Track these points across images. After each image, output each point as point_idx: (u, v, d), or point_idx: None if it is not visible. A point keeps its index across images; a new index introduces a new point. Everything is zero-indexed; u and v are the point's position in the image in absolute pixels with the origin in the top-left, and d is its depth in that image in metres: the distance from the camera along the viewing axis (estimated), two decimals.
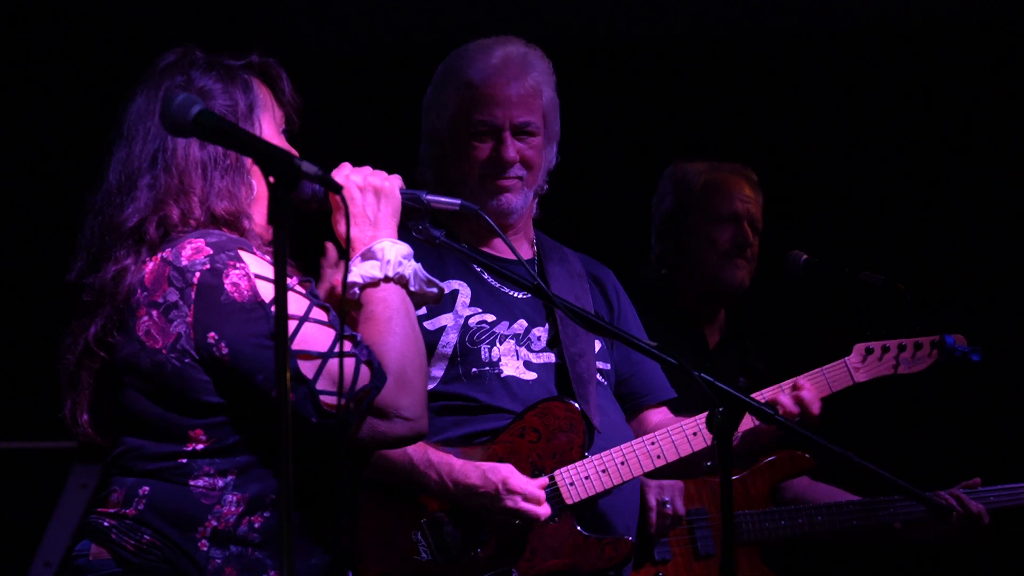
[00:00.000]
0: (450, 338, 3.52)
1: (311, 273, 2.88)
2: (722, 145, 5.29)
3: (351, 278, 2.80)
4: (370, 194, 2.88)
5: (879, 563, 5.46)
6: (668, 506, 4.06)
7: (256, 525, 2.68)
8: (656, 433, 3.57)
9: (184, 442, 2.69)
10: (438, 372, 3.51)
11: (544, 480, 3.46)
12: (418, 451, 3.40)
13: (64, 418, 2.80)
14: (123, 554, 2.67)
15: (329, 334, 2.68)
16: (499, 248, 3.66)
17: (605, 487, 3.51)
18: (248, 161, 2.80)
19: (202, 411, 2.68)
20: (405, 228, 2.96)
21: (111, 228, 2.76)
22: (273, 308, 2.63)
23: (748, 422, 3.52)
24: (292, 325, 2.65)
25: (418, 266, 2.85)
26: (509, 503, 3.39)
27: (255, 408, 2.67)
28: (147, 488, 2.69)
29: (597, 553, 3.50)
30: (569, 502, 3.48)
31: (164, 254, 2.70)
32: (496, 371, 3.53)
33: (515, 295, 3.62)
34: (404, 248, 2.85)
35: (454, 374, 3.52)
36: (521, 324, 3.59)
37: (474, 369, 3.53)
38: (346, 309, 2.79)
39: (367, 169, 2.92)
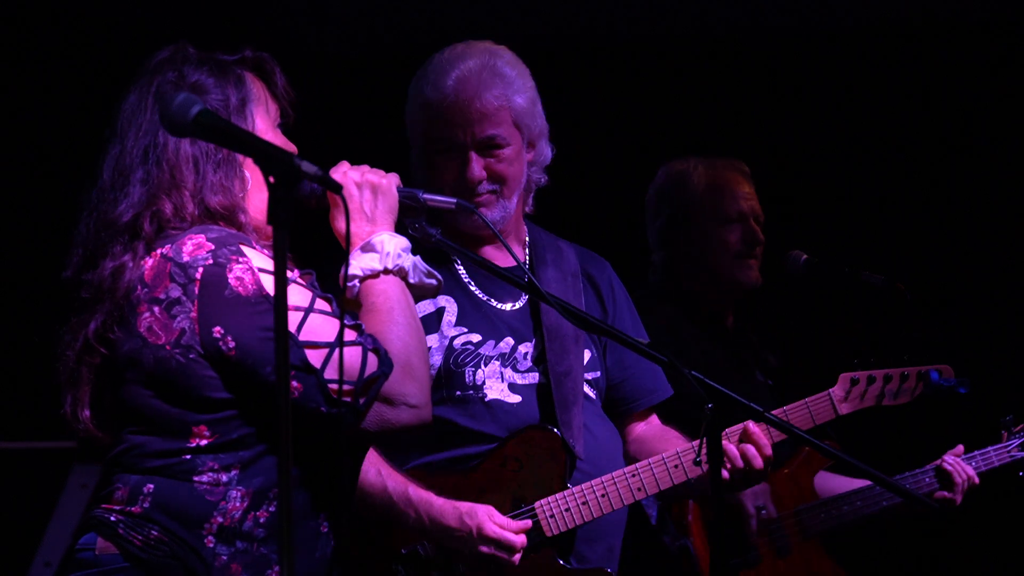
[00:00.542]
0: (435, 360, 3.48)
1: (310, 267, 2.89)
2: (722, 145, 5.29)
3: (351, 271, 2.81)
4: (367, 191, 2.89)
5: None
6: (764, 511, 4.11)
7: (261, 520, 2.69)
8: (638, 465, 3.52)
9: (188, 438, 2.69)
10: None
11: (527, 523, 3.42)
12: (398, 487, 3.37)
13: (65, 415, 2.79)
14: (131, 549, 2.67)
15: (334, 324, 2.69)
16: (489, 255, 3.62)
17: (585, 520, 3.48)
18: (240, 158, 2.80)
19: (207, 406, 2.69)
20: (402, 226, 2.96)
21: (106, 224, 2.76)
22: None
23: (697, 468, 3.48)
24: (298, 316, 2.67)
25: (417, 258, 2.87)
26: (483, 549, 3.35)
27: (261, 401, 2.67)
28: (152, 486, 2.70)
29: None
30: (549, 534, 3.45)
31: (164, 250, 2.71)
32: (480, 395, 3.50)
33: (502, 308, 3.59)
34: (403, 241, 2.86)
35: (438, 397, 3.45)
36: (507, 342, 3.55)
37: (458, 392, 3.50)
38: (347, 303, 2.80)
39: (365, 167, 2.93)
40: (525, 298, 3.62)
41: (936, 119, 5.68)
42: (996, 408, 5.48)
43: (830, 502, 4.34)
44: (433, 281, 2.88)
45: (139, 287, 2.71)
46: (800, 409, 3.75)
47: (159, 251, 2.71)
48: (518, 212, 3.66)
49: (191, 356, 2.67)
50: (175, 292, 2.68)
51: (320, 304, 2.71)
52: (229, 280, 2.67)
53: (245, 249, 2.71)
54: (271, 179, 2.41)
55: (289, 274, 2.69)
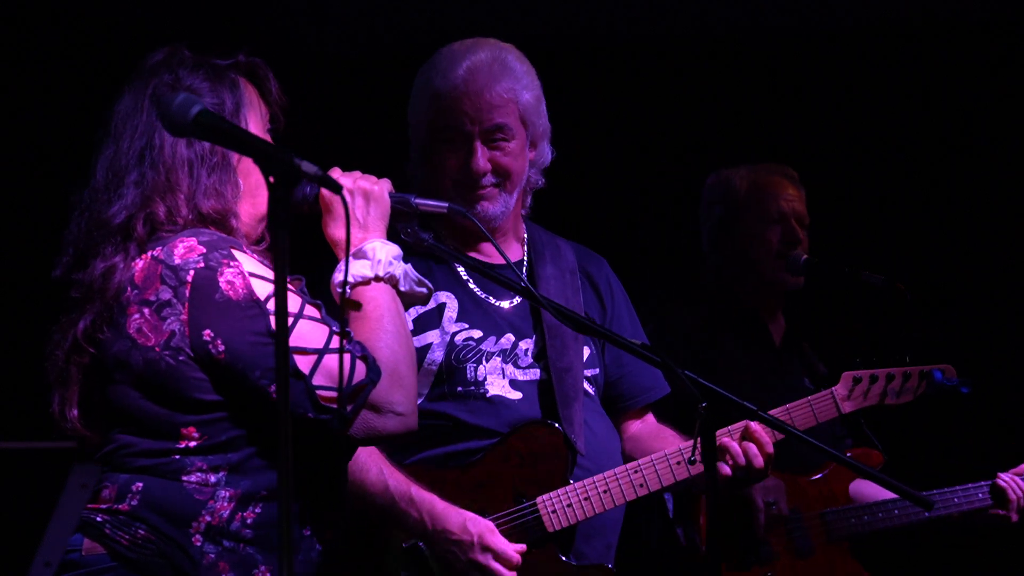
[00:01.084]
0: (436, 356, 3.49)
1: (303, 273, 2.89)
2: (722, 145, 5.30)
3: (341, 277, 2.81)
4: (359, 197, 2.89)
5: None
6: (774, 507, 4.10)
7: (248, 521, 2.70)
8: (640, 462, 3.53)
9: (177, 439, 2.71)
10: (423, 390, 3.47)
11: (522, 547, 3.41)
12: (400, 486, 3.38)
13: (53, 414, 2.81)
14: (118, 549, 2.68)
15: (323, 330, 2.70)
16: (487, 252, 3.63)
17: (587, 515, 3.48)
18: (235, 158, 2.81)
19: (195, 408, 2.70)
20: (394, 231, 2.96)
21: (98, 224, 2.77)
22: (268, 305, 2.66)
23: (699, 465, 3.49)
24: (288, 322, 2.65)
25: (408, 266, 2.87)
26: (480, 558, 3.35)
27: (250, 404, 2.68)
28: (140, 484, 2.71)
29: None
30: (551, 530, 3.46)
31: (155, 252, 2.72)
32: (482, 391, 3.51)
33: (500, 305, 3.59)
34: (394, 249, 2.86)
35: (439, 392, 3.49)
36: (508, 339, 3.56)
37: (459, 388, 3.50)
38: (345, 308, 2.80)
39: (356, 173, 2.93)
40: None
41: (936, 119, 5.68)
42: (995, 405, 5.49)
43: (862, 508, 4.33)
44: (424, 289, 2.88)
45: (129, 288, 2.72)
46: (803, 407, 3.77)
47: (150, 253, 2.72)
48: (517, 209, 3.67)
49: (180, 358, 2.68)
50: (166, 294, 2.69)
51: (309, 310, 2.72)
52: (220, 284, 2.68)
53: (236, 253, 2.72)
54: (271, 179, 2.42)
55: None
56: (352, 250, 2.86)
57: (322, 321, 2.72)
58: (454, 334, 3.52)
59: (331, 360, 2.66)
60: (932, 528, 4.39)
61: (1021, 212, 5.66)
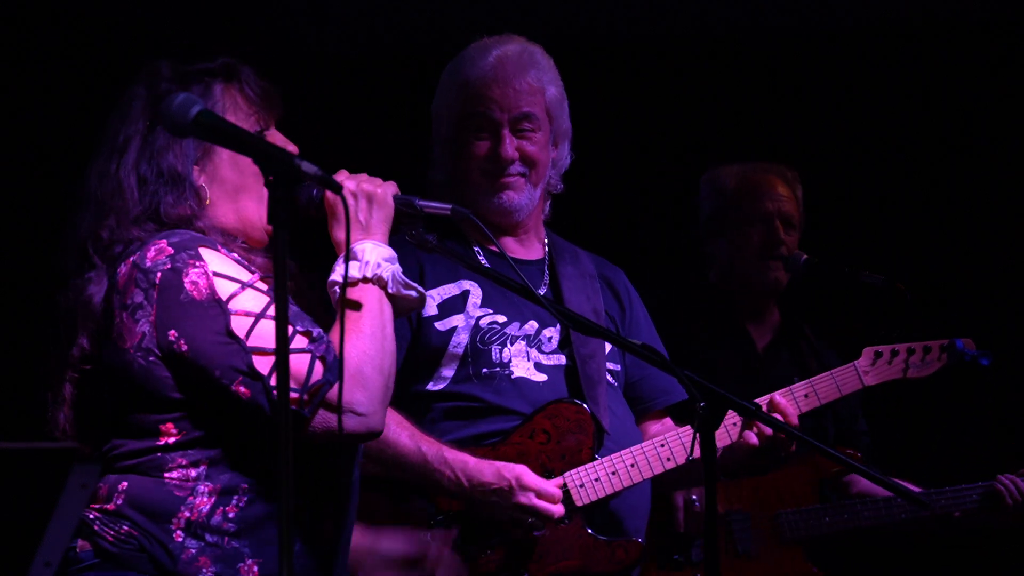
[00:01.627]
0: (461, 338, 3.53)
1: (314, 272, 2.90)
2: (722, 145, 5.30)
3: (332, 277, 2.83)
4: (363, 200, 2.89)
5: (928, 559, 5.45)
6: (696, 503, 4.08)
7: (230, 515, 2.73)
8: (667, 435, 3.56)
9: (156, 436, 2.75)
10: (449, 372, 3.53)
11: (560, 480, 3.46)
12: (432, 448, 3.41)
13: (49, 419, 2.88)
14: (103, 544, 2.73)
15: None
16: (510, 246, 3.67)
17: (615, 489, 3.51)
18: (195, 171, 2.84)
19: (170, 406, 2.74)
20: (399, 233, 2.97)
21: (69, 247, 2.85)
22: (230, 305, 2.70)
23: (725, 438, 3.53)
24: (248, 322, 2.70)
25: (397, 268, 2.86)
26: (523, 499, 3.39)
27: (217, 403, 2.71)
28: (126, 483, 2.76)
29: (607, 555, 3.50)
30: (579, 504, 3.48)
31: (134, 257, 2.76)
32: (507, 372, 3.54)
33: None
34: (385, 251, 2.87)
35: (465, 374, 3.53)
36: (532, 325, 3.60)
37: (485, 370, 3.54)
38: (337, 308, 2.81)
39: (363, 176, 2.94)
40: (544, 288, 3.67)
41: (936, 119, 5.68)
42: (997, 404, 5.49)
43: (822, 510, 4.30)
44: (413, 292, 2.88)
45: (115, 295, 2.77)
46: (826, 380, 3.77)
47: (132, 258, 2.77)
48: (539, 210, 3.72)
49: (151, 359, 2.73)
50: (138, 297, 2.74)
51: (274, 310, 2.72)
52: (185, 284, 2.72)
53: (204, 252, 2.75)
54: (271, 178, 2.42)
55: (249, 277, 2.73)
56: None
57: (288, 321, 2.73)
58: (479, 318, 3.56)
59: (293, 361, 2.66)
60: (914, 530, 4.38)
61: (1021, 212, 5.66)
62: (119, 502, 2.74)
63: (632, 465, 3.52)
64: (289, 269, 2.89)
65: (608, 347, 3.67)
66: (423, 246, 3.03)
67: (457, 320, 3.54)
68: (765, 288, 4.56)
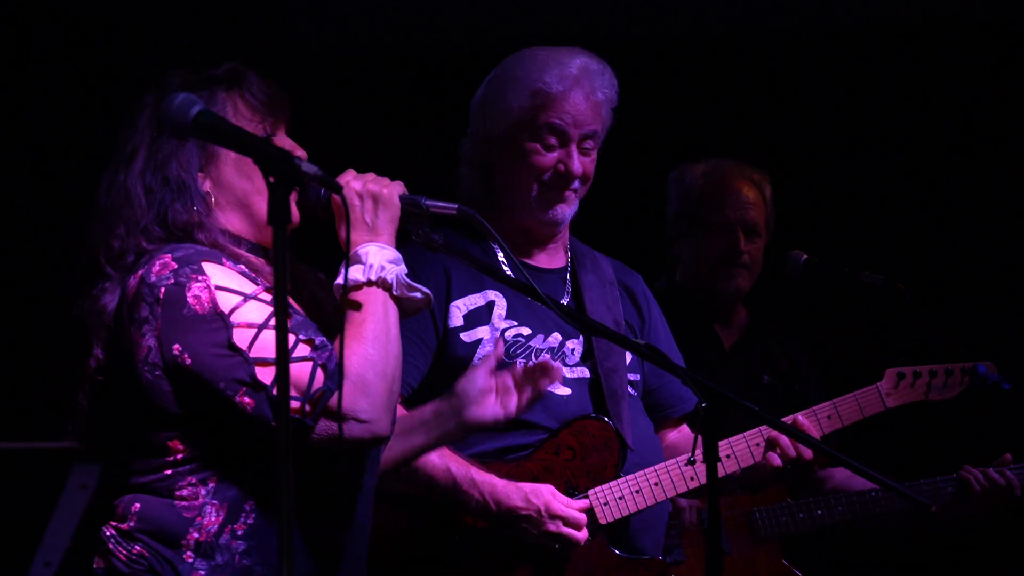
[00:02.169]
0: (486, 351, 3.52)
1: (321, 272, 2.90)
2: (722, 145, 5.29)
3: (338, 280, 2.82)
4: (369, 200, 2.88)
5: (907, 557, 5.45)
6: (686, 512, 4.09)
7: (239, 532, 2.72)
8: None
9: (166, 453, 2.75)
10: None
11: (585, 503, 3.46)
12: (461, 470, 3.41)
13: (69, 432, 2.87)
14: (116, 563, 2.74)
15: (289, 339, 2.69)
16: (535, 255, 3.68)
17: (639, 507, 3.52)
18: (199, 178, 2.85)
19: (176, 421, 2.74)
20: (405, 233, 2.96)
21: (83, 258, 2.85)
22: (232, 318, 2.69)
23: (749, 458, 3.56)
24: (250, 333, 2.69)
25: (402, 270, 2.84)
26: (551, 528, 3.40)
27: (222, 416, 2.70)
28: (138, 504, 2.75)
29: (630, 574, 3.50)
30: (603, 522, 3.49)
31: (142, 272, 2.76)
32: None
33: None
34: (390, 253, 2.85)
35: None
36: (556, 337, 3.60)
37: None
38: (341, 312, 2.81)
39: (370, 176, 2.92)
40: (567, 297, 3.67)
41: (936, 119, 5.67)
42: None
43: (796, 506, 4.28)
44: (418, 295, 2.86)
45: (124, 309, 2.77)
46: (849, 402, 3.79)
47: (140, 272, 2.77)
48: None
49: (156, 373, 2.73)
50: (144, 311, 2.74)
51: (276, 319, 2.71)
52: (188, 299, 2.71)
53: (207, 267, 2.74)
54: (271, 179, 2.42)
55: (252, 289, 2.72)
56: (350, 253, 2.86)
57: (290, 330, 2.71)
58: (504, 330, 3.55)
59: (292, 369, 2.65)
60: (893, 525, 4.38)
61: (1021, 212, 5.66)
62: (132, 524, 2.74)
63: (656, 484, 3.53)
64: (314, 278, 2.93)
65: (629, 357, 3.67)
66: (429, 246, 3.01)
67: (482, 332, 3.54)
68: (728, 295, 4.54)
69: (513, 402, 3.18)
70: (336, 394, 2.67)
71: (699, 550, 4.16)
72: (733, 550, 4.23)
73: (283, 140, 2.92)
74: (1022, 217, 5.66)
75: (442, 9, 5.49)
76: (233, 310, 2.70)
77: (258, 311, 2.71)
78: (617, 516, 3.49)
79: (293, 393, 2.66)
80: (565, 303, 3.64)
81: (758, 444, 3.56)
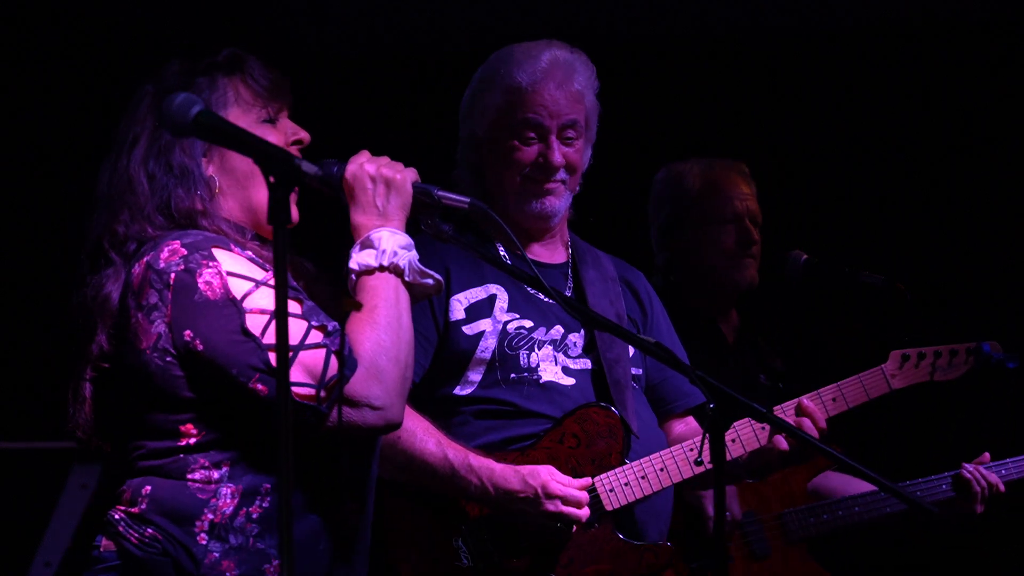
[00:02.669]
0: (489, 343, 3.53)
1: (329, 257, 2.90)
2: (722, 145, 5.29)
3: (350, 264, 2.83)
4: (381, 185, 2.88)
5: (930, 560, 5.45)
6: (728, 513, 4.09)
7: (254, 516, 2.72)
8: (696, 439, 3.57)
9: (178, 438, 2.74)
10: (476, 376, 3.54)
11: (587, 480, 3.47)
12: (459, 456, 3.42)
13: (68, 420, 2.86)
14: (126, 546, 2.73)
15: (302, 326, 2.72)
16: (535, 251, 3.68)
17: (644, 493, 3.52)
18: (203, 163, 2.85)
19: (189, 406, 2.74)
20: (415, 222, 2.96)
21: (85, 244, 2.85)
22: (244, 304, 2.70)
23: (755, 442, 3.55)
24: (263, 319, 2.70)
25: (414, 256, 2.85)
26: (550, 507, 3.40)
27: (235, 401, 2.71)
28: (149, 487, 2.75)
29: (637, 560, 3.51)
30: (609, 508, 3.49)
31: (148, 257, 2.76)
32: (535, 376, 3.55)
33: (547, 299, 3.61)
34: (402, 238, 2.85)
35: (492, 379, 3.53)
36: (558, 330, 3.61)
37: (513, 374, 3.54)
38: (352, 297, 2.83)
39: (384, 159, 2.92)
40: (568, 292, 3.68)
41: (936, 119, 5.68)
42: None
43: (821, 507, 4.32)
44: (429, 280, 2.87)
45: (129, 296, 2.76)
46: (853, 384, 3.77)
47: (145, 258, 2.76)
48: (566, 212, 3.70)
49: (168, 359, 2.73)
50: (153, 298, 2.74)
51: (290, 307, 2.71)
52: (199, 285, 2.72)
53: (218, 253, 2.75)
54: (271, 179, 2.42)
55: (263, 275, 2.73)
56: (362, 237, 2.86)
57: (302, 316, 2.73)
58: (506, 323, 3.56)
59: (306, 356, 2.68)
60: (898, 525, 4.38)
61: (1021, 212, 5.66)
62: (143, 506, 2.73)
63: (661, 469, 3.53)
64: (306, 265, 2.93)
65: (632, 351, 3.68)
66: (439, 236, 3.01)
67: (484, 324, 3.55)
68: (740, 286, 4.54)
69: None
70: (350, 381, 2.68)
71: (742, 552, 4.20)
72: (771, 553, 4.27)
73: (285, 124, 2.93)
74: (1022, 217, 5.66)
75: (442, 9, 5.49)
76: (245, 296, 2.71)
77: (270, 297, 2.72)
78: (623, 502, 3.50)
79: (307, 380, 2.67)
80: (567, 295, 3.65)
81: (763, 427, 3.56)
